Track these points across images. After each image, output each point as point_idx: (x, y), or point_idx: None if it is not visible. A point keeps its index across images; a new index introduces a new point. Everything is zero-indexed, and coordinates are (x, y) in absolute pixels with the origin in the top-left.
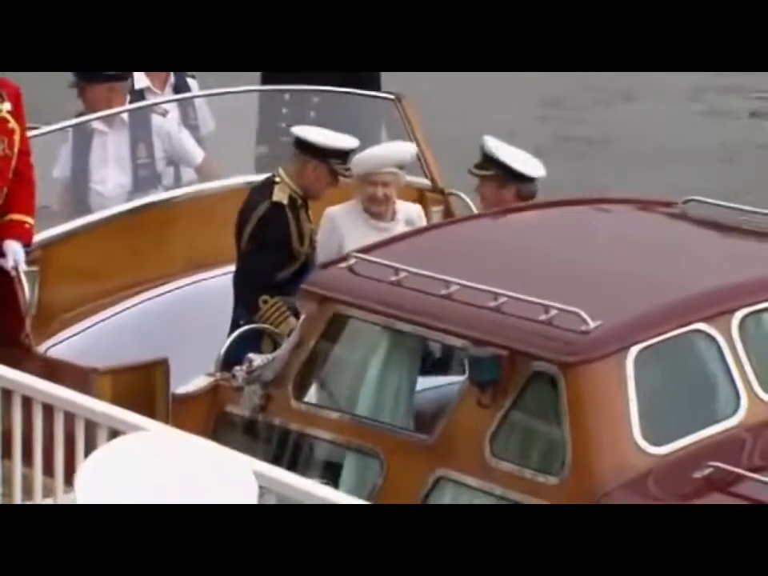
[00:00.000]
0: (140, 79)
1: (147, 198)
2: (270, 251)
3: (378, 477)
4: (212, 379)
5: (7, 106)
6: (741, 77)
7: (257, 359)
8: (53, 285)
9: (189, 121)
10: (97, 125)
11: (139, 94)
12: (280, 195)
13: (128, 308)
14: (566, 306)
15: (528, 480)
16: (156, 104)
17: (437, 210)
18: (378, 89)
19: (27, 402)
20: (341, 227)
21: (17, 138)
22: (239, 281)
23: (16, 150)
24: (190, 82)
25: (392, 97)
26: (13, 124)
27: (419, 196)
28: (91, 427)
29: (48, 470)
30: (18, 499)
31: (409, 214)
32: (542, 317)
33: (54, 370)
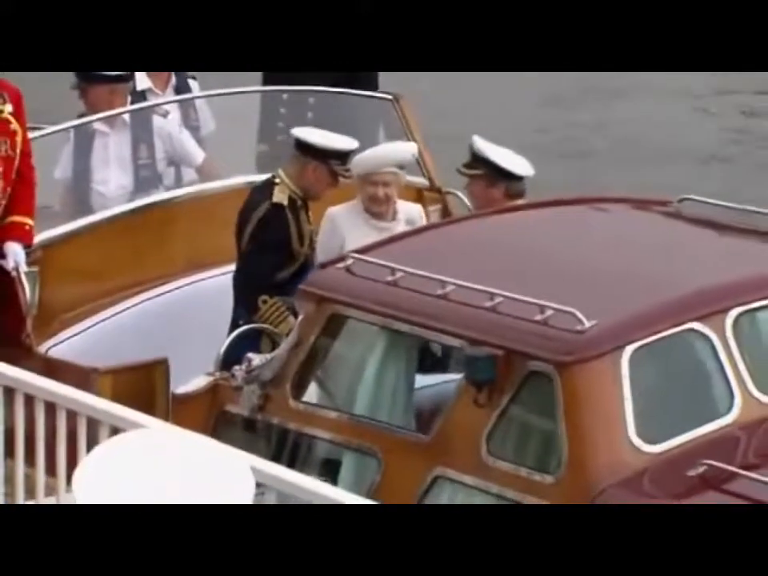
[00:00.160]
0: (142, 81)
1: (148, 199)
2: (269, 252)
3: (376, 475)
4: (211, 379)
5: (9, 107)
6: (740, 76)
7: (256, 359)
8: (54, 285)
9: (190, 122)
10: (98, 126)
11: (141, 95)
12: (280, 196)
13: (128, 308)
14: (562, 306)
15: (524, 478)
16: (157, 105)
17: (434, 209)
18: (376, 89)
19: (29, 401)
20: (342, 227)
21: (18, 139)
22: (239, 281)
23: (18, 151)
24: (191, 83)
25: (389, 97)
26: (15, 125)
27: (417, 195)
28: (93, 425)
29: (50, 469)
30: (20, 498)
31: (410, 213)
32: (538, 317)
33: (55, 370)
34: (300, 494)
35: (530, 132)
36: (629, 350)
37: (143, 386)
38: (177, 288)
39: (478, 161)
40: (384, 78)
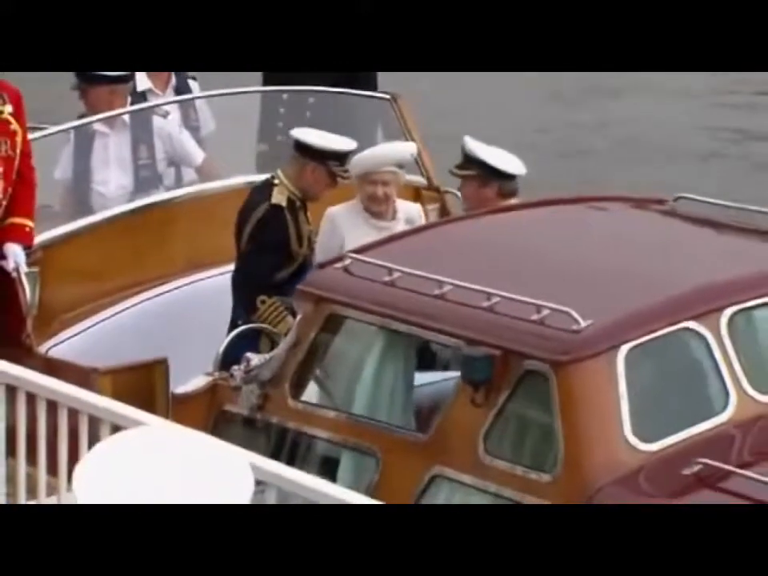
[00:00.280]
0: (142, 81)
1: (148, 199)
2: (268, 253)
3: (374, 474)
4: (210, 379)
5: (9, 108)
6: (740, 76)
7: (254, 359)
8: (54, 285)
9: (190, 122)
10: (98, 126)
11: (141, 96)
12: (279, 197)
13: (128, 308)
14: (558, 306)
15: (521, 477)
16: (157, 105)
17: (432, 209)
18: (375, 89)
19: (31, 399)
20: (341, 227)
21: (19, 139)
22: (238, 281)
23: (18, 151)
24: (191, 83)
25: (388, 97)
26: (15, 126)
27: (415, 194)
28: (94, 423)
29: (52, 468)
30: (22, 498)
31: (409, 212)
32: (534, 316)
33: (55, 370)
34: (300, 491)
35: (530, 132)
36: (624, 349)
37: (143, 386)
38: (176, 288)
39: (470, 161)
40: (383, 77)
